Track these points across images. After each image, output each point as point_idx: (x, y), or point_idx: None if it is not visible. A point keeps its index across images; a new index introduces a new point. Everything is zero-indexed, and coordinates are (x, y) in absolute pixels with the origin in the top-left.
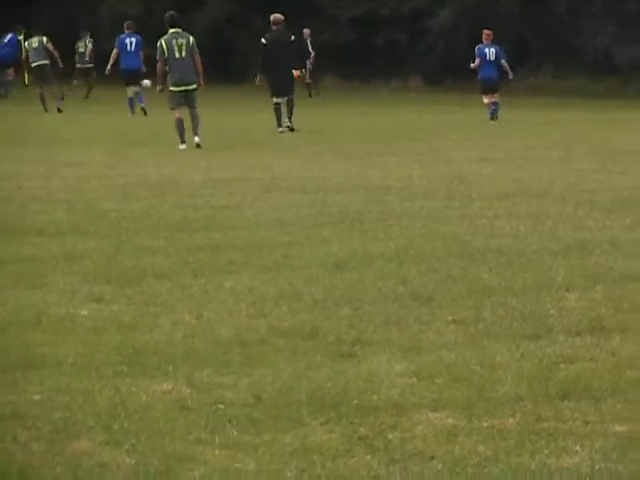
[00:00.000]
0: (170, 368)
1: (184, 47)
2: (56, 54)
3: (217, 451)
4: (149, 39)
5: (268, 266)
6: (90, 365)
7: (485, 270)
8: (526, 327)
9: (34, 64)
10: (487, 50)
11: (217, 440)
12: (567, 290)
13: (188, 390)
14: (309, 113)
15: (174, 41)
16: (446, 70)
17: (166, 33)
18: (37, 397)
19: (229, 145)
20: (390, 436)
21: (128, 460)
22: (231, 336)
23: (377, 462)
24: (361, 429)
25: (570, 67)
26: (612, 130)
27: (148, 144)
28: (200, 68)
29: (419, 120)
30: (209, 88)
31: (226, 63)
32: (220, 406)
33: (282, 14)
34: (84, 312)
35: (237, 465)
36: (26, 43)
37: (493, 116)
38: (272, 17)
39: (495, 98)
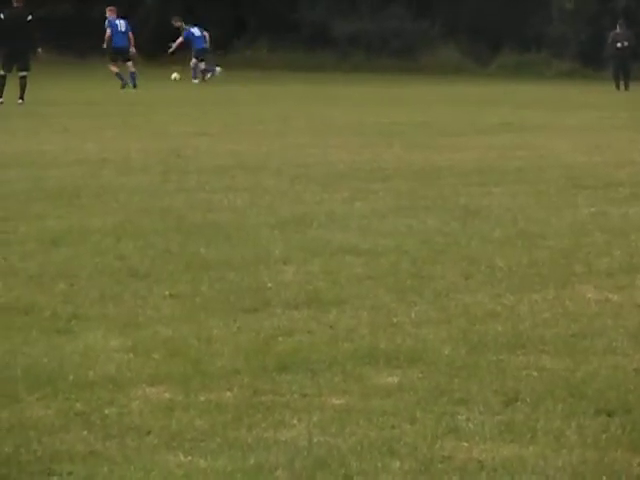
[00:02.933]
0: None
1: None
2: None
3: None
4: None
5: None
6: None
7: (203, 245)
8: (244, 301)
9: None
10: (118, 22)
11: None
12: (284, 263)
13: None
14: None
15: None
16: (159, 43)
17: None
18: None
19: None
20: (107, 411)
21: None
22: None
23: (93, 437)
24: (77, 404)
25: (286, 40)
26: (328, 104)
27: None
28: None
29: (136, 94)
30: None
31: None
32: None
33: None
34: None
35: None
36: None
37: (134, 84)
38: None
39: (131, 68)
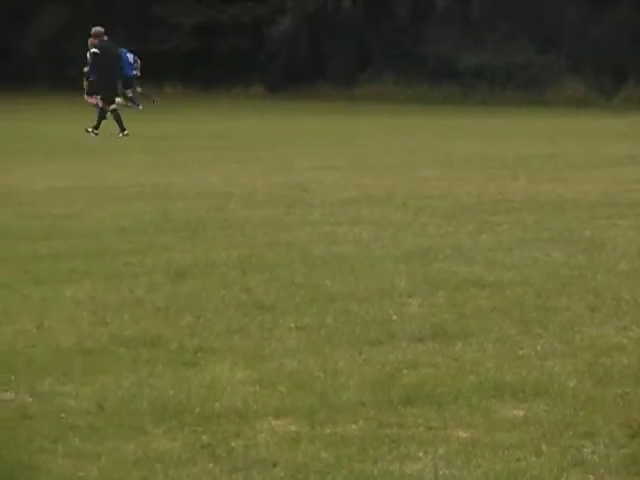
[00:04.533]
0: (12, 377)
1: None
2: None
3: (60, 460)
4: None
5: (110, 274)
6: None
7: (328, 277)
8: (369, 333)
9: None
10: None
11: (60, 449)
12: (409, 296)
13: (30, 399)
14: (149, 119)
15: None
16: (287, 77)
17: None
18: None
19: (63, 153)
20: (233, 444)
21: None
22: (72, 345)
23: (220, 470)
24: (204, 437)
25: (411, 74)
26: (453, 137)
27: None
28: None
29: (262, 127)
30: (43, 97)
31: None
32: (62, 415)
33: (117, 23)
34: None
35: (80, 474)
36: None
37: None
38: (97, 30)
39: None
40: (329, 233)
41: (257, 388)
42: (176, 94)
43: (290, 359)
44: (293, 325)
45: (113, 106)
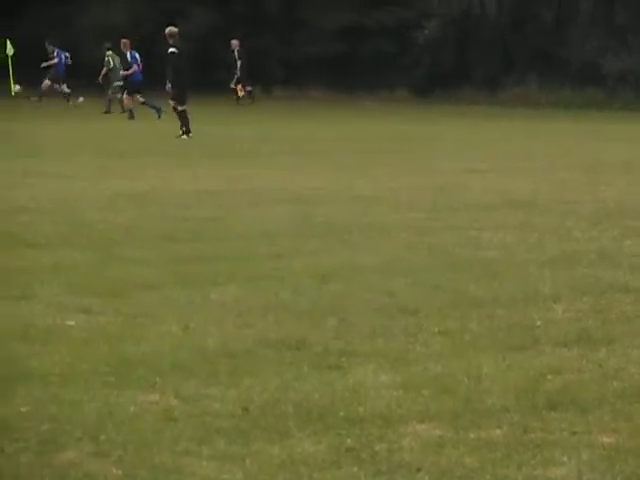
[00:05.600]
0: (157, 379)
1: None
2: None
3: (205, 462)
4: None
5: (255, 277)
6: (78, 376)
7: (471, 281)
8: (513, 338)
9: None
10: (137, 56)
11: (205, 451)
12: (554, 301)
13: (175, 401)
14: (293, 122)
15: None
16: (432, 81)
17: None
18: (24, 409)
19: (213, 155)
20: (377, 447)
21: (115, 471)
22: (218, 347)
23: (364, 474)
24: (348, 440)
25: (555, 77)
26: (597, 142)
27: (129, 155)
28: None
29: (406, 131)
30: (191, 98)
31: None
32: (207, 417)
33: (265, 26)
34: (72, 323)
35: (225, 476)
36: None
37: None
38: (172, 30)
39: (140, 99)
40: (473, 237)
41: (401, 392)
42: (320, 97)
43: (434, 363)
44: (437, 329)
45: (184, 107)
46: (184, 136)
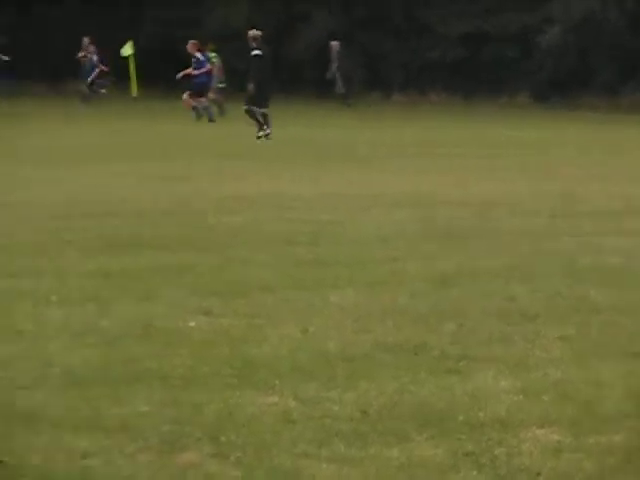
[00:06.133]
0: (277, 381)
1: None
2: None
3: (323, 465)
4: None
5: (373, 281)
6: (198, 377)
7: (592, 288)
8: (633, 345)
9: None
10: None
11: (323, 454)
12: None
13: (294, 403)
14: (413, 126)
15: None
16: (553, 87)
17: None
18: (145, 409)
19: (331, 159)
20: (496, 452)
21: (234, 472)
22: (337, 350)
23: (483, 478)
24: (467, 445)
25: None
26: None
27: (243, 157)
28: None
29: (527, 136)
30: (310, 102)
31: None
32: (326, 420)
33: (387, 32)
34: (192, 324)
35: (343, 479)
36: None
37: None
38: (256, 33)
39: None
40: (594, 243)
41: (521, 397)
42: (440, 102)
43: (554, 369)
44: (557, 335)
45: (264, 110)
46: (262, 138)
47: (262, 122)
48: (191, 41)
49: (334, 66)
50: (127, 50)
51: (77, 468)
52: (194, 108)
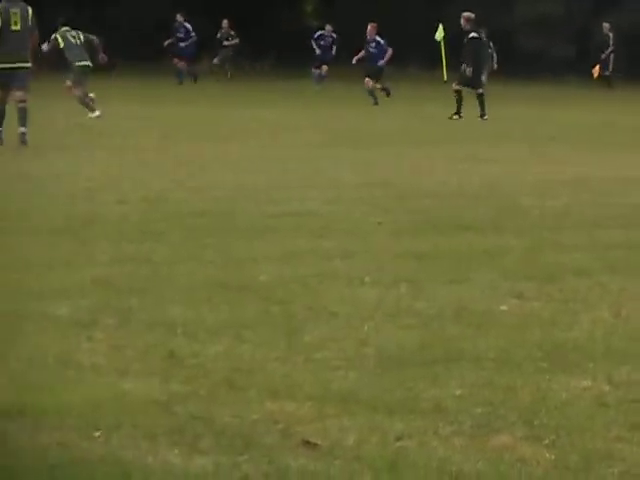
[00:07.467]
0: (590, 365)
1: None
2: None
3: (635, 448)
4: None
5: None
6: (511, 360)
7: None
8: None
9: None
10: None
11: (636, 438)
12: None
13: (607, 387)
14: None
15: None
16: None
17: None
18: (458, 392)
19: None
20: None
21: (548, 455)
22: None
23: None
24: None
25: None
26: None
27: (557, 140)
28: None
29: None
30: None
31: None
32: (639, 404)
33: None
34: (504, 308)
35: None
36: None
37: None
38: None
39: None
40: None
41: None
42: None
43: None
44: None
45: (480, 90)
46: (453, 118)
47: (462, 104)
48: (371, 24)
49: (609, 49)
50: (439, 34)
51: (391, 450)
52: (370, 92)
